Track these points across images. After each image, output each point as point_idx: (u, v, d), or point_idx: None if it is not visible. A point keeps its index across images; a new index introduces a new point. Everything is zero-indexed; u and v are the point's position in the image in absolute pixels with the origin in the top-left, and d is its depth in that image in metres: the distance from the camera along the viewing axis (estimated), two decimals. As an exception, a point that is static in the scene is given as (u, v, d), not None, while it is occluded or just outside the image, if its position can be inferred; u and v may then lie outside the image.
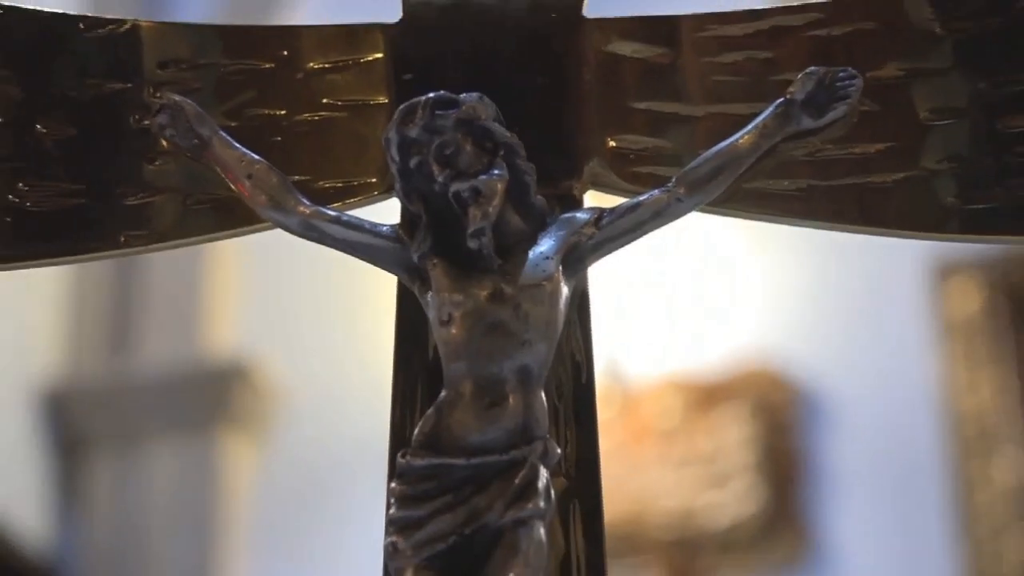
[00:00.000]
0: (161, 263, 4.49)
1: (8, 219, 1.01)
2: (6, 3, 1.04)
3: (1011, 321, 4.16)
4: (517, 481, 0.90)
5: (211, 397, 4.44)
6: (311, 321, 4.53)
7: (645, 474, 4.15)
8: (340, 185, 1.03)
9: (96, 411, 4.44)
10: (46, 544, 4.31)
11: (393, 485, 0.91)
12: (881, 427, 4.08)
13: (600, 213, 0.97)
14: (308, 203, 0.97)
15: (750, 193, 0.99)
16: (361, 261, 0.98)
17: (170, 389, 4.45)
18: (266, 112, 1.03)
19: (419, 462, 0.91)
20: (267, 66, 1.04)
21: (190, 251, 4.25)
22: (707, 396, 4.23)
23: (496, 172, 0.92)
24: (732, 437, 4.18)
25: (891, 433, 4.07)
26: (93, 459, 4.44)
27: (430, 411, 0.92)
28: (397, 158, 0.94)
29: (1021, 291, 4.17)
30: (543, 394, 0.93)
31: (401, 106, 0.94)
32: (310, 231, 0.97)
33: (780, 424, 4.18)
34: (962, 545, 3.97)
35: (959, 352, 4.14)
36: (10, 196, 1.01)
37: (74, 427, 4.43)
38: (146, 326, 4.58)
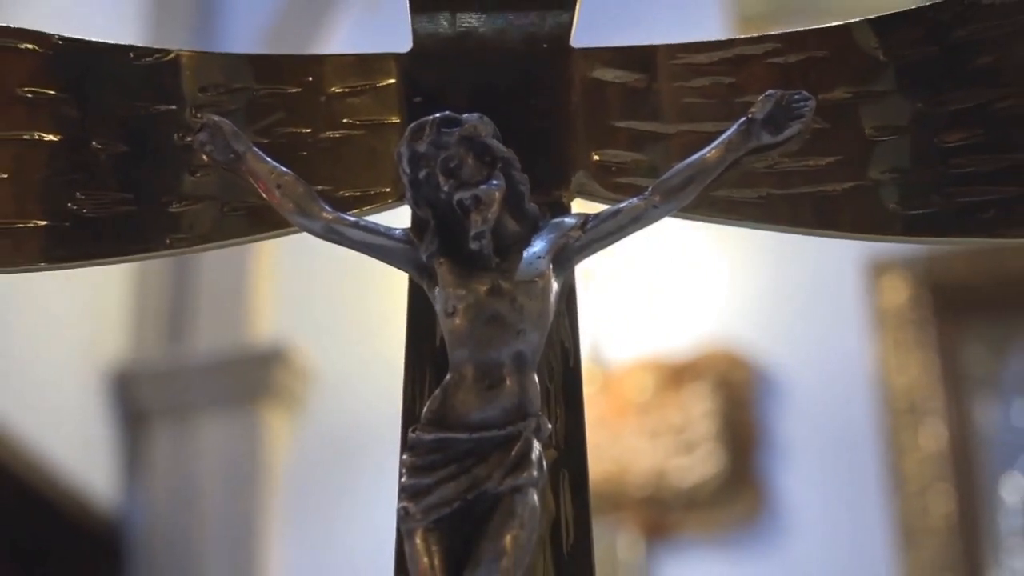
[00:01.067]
0: (211, 262, 4.48)
1: (67, 224, 0.99)
2: (66, 35, 1.02)
3: (934, 312, 4.17)
4: (513, 453, 0.88)
5: (254, 378, 4.43)
6: (338, 313, 4.52)
7: (623, 442, 4.15)
8: (358, 194, 1.00)
9: (156, 389, 4.43)
10: (112, 505, 4.30)
11: (405, 456, 0.89)
12: (825, 402, 4.09)
13: (586, 218, 0.95)
14: (330, 210, 0.95)
15: (717, 200, 0.97)
16: (377, 261, 0.96)
17: (219, 370, 4.45)
18: (293, 131, 1.01)
19: (427, 436, 0.88)
20: (294, 90, 1.02)
21: (236, 251, 4.24)
22: (676, 375, 4.23)
23: (495, 182, 0.90)
24: (698, 410, 4.18)
25: (834, 407, 4.07)
26: (153, 431, 4.43)
27: (437, 392, 0.90)
28: (408, 170, 0.92)
29: (943, 286, 4.18)
30: (536, 376, 0.90)
31: (411, 125, 0.92)
32: (332, 234, 0.95)
33: (739, 399, 4.18)
34: (894, 501, 3.99)
35: (890, 338, 4.15)
36: (69, 204, 0.99)
37: (137, 403, 4.42)
38: (199, 316, 4.57)
